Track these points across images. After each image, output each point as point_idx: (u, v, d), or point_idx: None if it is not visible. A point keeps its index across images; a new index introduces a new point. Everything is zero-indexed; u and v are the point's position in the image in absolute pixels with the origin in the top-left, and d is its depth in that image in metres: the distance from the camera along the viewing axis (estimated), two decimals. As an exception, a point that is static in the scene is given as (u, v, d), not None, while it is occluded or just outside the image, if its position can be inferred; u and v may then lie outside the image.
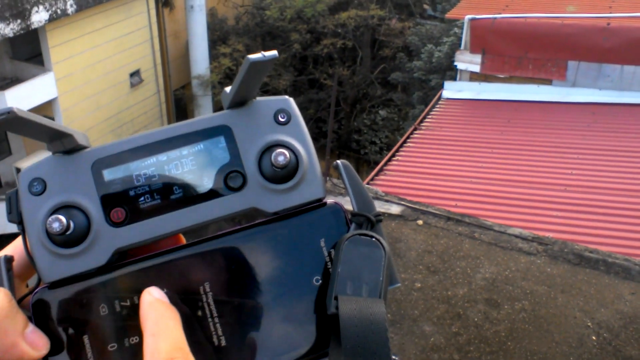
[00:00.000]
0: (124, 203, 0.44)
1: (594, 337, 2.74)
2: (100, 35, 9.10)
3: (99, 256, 0.43)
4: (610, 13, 6.79)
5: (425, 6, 11.21)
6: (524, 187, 4.78)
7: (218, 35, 10.52)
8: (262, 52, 0.39)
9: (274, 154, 0.43)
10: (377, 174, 5.26)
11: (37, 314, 0.42)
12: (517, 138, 5.76)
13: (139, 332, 0.42)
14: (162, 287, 0.43)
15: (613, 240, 3.93)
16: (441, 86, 7.39)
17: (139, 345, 0.42)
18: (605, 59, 6.43)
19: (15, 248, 0.45)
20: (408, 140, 5.91)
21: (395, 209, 3.61)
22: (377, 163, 8.19)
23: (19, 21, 7.80)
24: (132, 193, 0.44)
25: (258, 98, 0.46)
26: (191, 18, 10.10)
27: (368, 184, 4.86)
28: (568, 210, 4.41)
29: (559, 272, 3.11)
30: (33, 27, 8.09)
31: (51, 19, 8.20)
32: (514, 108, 6.46)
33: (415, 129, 6.13)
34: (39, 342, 0.41)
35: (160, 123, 11.00)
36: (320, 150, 10.87)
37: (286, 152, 0.44)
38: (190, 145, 0.45)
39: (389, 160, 5.51)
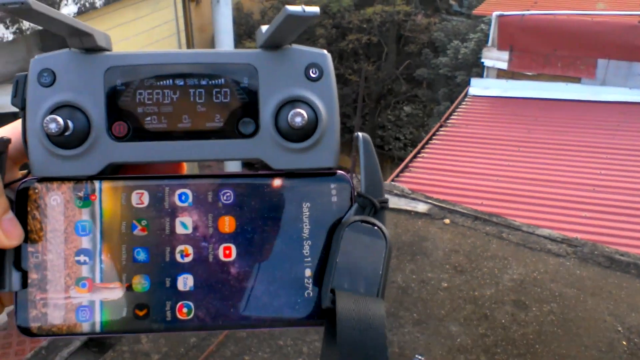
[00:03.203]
0: (129, 118, 0.42)
1: (624, 342, 2.70)
2: (127, 29, 9.20)
3: (91, 165, 0.42)
4: (642, 11, 6.66)
5: (452, 2, 11.11)
6: (551, 187, 4.73)
7: (244, 30, 10.54)
8: (303, 7, 0.35)
9: (292, 113, 0.41)
10: (402, 171, 5.23)
11: (19, 202, 0.41)
12: (545, 137, 5.69)
13: (113, 240, 0.42)
14: (142, 214, 0.42)
15: (643, 242, 3.87)
16: (467, 83, 7.32)
17: (110, 254, 0.42)
18: (635, 58, 6.32)
19: (13, 130, 0.44)
20: (434, 137, 5.87)
21: (421, 207, 3.58)
22: (401, 159, 8.15)
23: (48, 14, 7.89)
24: (140, 110, 0.42)
25: (294, 45, 0.43)
26: (217, 12, 10.14)
27: (393, 180, 4.84)
28: (597, 211, 4.35)
29: (588, 274, 3.07)
30: (62, 20, 8.17)
31: (80, 12, 8.29)
32: (542, 106, 6.38)
33: (441, 126, 6.08)
34: (14, 232, 0.40)
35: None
36: (345, 146, 10.86)
37: (305, 112, 0.41)
38: (210, 76, 0.42)
39: (414, 157, 5.48)
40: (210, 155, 0.42)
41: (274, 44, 0.43)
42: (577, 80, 6.61)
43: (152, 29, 9.42)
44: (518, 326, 2.79)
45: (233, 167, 7.12)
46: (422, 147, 5.64)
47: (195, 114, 0.42)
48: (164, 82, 0.42)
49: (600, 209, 4.36)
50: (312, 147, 0.42)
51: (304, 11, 0.36)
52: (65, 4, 8.03)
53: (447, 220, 3.49)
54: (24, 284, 0.41)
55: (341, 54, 10.20)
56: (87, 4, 8.22)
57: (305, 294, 0.42)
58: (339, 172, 0.44)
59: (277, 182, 0.43)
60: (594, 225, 4.14)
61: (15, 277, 0.41)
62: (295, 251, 0.42)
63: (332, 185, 0.43)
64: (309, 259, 0.42)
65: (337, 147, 0.44)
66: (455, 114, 6.33)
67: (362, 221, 0.41)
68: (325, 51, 0.44)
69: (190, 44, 10.50)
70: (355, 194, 0.44)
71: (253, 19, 10.87)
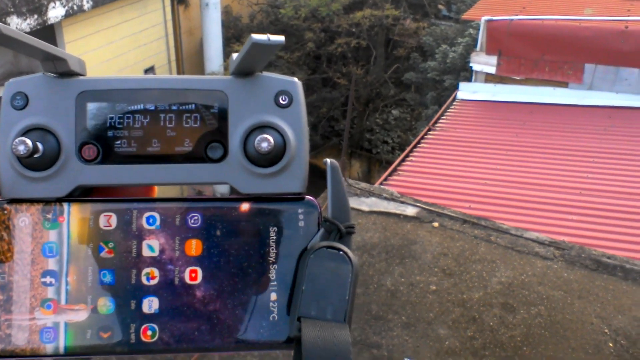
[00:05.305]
0: (99, 141, 0.42)
1: (610, 344, 2.72)
2: (115, 32, 9.18)
3: (60, 187, 0.42)
4: (629, 16, 6.72)
5: (440, 6, 11.16)
6: (539, 190, 4.75)
7: (232, 33, 10.54)
8: (268, 36, 0.37)
9: (258, 138, 0.41)
10: (390, 174, 5.24)
11: None
12: (533, 141, 5.72)
13: (80, 262, 0.42)
14: (109, 236, 0.42)
15: (630, 245, 3.90)
16: (455, 87, 7.35)
17: (76, 276, 0.42)
18: (622, 63, 6.37)
19: None
20: (422, 140, 5.88)
21: (410, 211, 3.59)
22: (388, 162, 8.16)
23: (35, 17, 7.88)
24: (110, 134, 0.42)
25: (265, 73, 0.44)
26: (206, 15, 10.13)
27: (382, 184, 4.84)
28: (584, 214, 4.37)
29: (575, 277, 3.09)
30: (49, 22, 8.17)
31: (67, 15, 8.27)
32: (530, 110, 6.42)
33: (429, 130, 6.10)
34: None
35: (174, 120, 11.00)
36: (332, 149, 10.87)
37: (272, 138, 0.41)
38: (181, 102, 0.43)
39: (403, 160, 5.49)
40: (179, 178, 0.43)
41: (244, 71, 0.44)
42: (564, 84, 6.66)
43: (140, 32, 9.39)
44: (506, 329, 2.80)
45: (223, 189, 7.07)
46: (411, 151, 5.65)
47: (165, 138, 0.43)
48: (135, 106, 0.43)
49: (587, 212, 4.39)
50: (280, 172, 0.43)
51: (269, 39, 0.37)
52: (53, 7, 7.99)
53: (435, 224, 3.50)
54: None
55: (330, 58, 10.21)
56: (75, 7, 8.18)
57: (271, 317, 0.43)
58: (307, 197, 0.44)
59: (244, 206, 0.43)
60: (581, 229, 4.16)
61: None
62: (262, 275, 0.43)
63: (300, 210, 0.44)
64: (275, 283, 0.43)
65: (305, 172, 0.44)
66: (444, 117, 6.35)
67: (328, 247, 0.41)
68: (295, 79, 0.45)
69: (178, 47, 10.48)
70: (322, 218, 0.44)
71: (242, 22, 10.88)
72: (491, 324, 2.83)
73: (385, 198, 3.70)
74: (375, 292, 3.00)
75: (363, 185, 3.88)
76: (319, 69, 10.30)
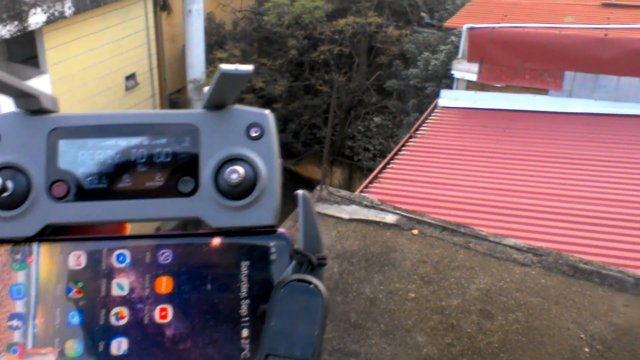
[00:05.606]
0: (69, 179, 0.42)
1: (586, 349, 2.74)
2: (97, 38, 9.11)
3: (29, 226, 0.41)
4: (608, 24, 6.81)
5: (423, 14, 11.23)
6: (518, 197, 4.79)
7: (215, 40, 10.51)
8: (237, 66, 0.37)
9: (228, 170, 0.41)
10: (371, 182, 5.25)
11: None
12: (513, 147, 5.77)
13: (48, 304, 0.41)
14: (79, 276, 0.41)
15: (607, 251, 3.94)
16: (437, 94, 7.39)
17: (43, 318, 0.41)
18: (601, 70, 6.45)
19: None
20: (403, 148, 5.91)
21: (390, 218, 3.60)
22: (370, 170, 8.18)
23: (16, 23, 7.80)
24: (80, 171, 0.42)
25: (237, 106, 0.44)
26: (189, 22, 10.09)
27: (362, 191, 4.85)
28: (562, 220, 4.41)
29: (553, 283, 3.11)
30: (30, 29, 8.09)
31: (48, 21, 8.20)
32: (510, 117, 6.47)
33: (410, 137, 6.12)
34: None
35: (156, 127, 10.91)
36: (314, 156, 10.87)
37: (242, 169, 0.41)
38: (153, 137, 0.43)
39: (384, 167, 5.50)
40: (149, 214, 0.42)
41: (216, 104, 0.43)
42: (544, 92, 6.72)
43: (121, 39, 9.34)
44: (484, 335, 2.81)
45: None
46: (392, 158, 5.67)
47: (136, 173, 0.42)
48: (106, 142, 0.42)
49: (565, 218, 4.43)
50: (251, 205, 0.42)
51: (237, 69, 0.37)
52: (34, 13, 7.93)
53: (415, 231, 3.51)
54: None
55: (312, 65, 10.23)
56: (57, 13, 8.13)
57: (242, 355, 0.42)
58: (279, 230, 0.44)
59: (215, 241, 0.43)
60: (559, 235, 4.20)
61: None
62: (233, 311, 0.42)
63: (271, 244, 0.43)
64: (247, 318, 0.42)
65: (277, 204, 0.44)
66: (425, 125, 6.38)
67: (299, 280, 0.41)
68: (267, 111, 0.45)
69: (160, 54, 10.45)
70: (293, 250, 0.44)
71: (225, 29, 10.86)
72: (469, 330, 2.84)
73: (366, 206, 3.71)
74: (354, 300, 3.00)
75: (343, 193, 3.88)
76: (301, 76, 10.32)
